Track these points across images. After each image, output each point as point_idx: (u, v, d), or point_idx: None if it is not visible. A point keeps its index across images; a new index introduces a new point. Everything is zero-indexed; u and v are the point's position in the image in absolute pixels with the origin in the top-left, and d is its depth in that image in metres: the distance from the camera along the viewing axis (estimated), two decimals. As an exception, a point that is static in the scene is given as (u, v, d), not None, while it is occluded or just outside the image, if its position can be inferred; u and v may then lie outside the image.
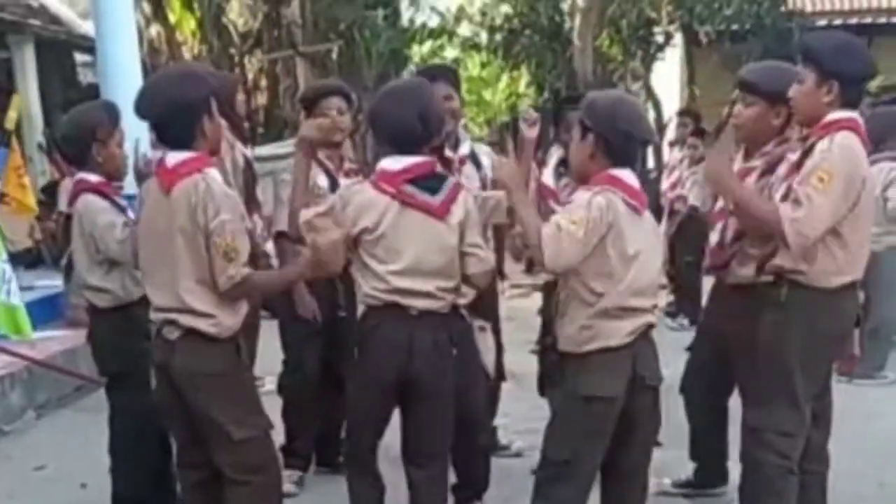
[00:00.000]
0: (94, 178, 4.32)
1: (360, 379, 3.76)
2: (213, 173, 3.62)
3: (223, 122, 4.02)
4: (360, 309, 3.85)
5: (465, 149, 4.86)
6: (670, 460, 4.95)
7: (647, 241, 3.55)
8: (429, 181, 3.65)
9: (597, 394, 3.51)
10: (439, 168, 3.90)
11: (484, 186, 4.87)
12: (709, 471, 4.79)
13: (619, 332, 3.50)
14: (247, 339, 3.91)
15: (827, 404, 4.10)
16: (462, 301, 4.14)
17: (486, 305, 4.49)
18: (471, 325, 4.28)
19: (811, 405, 3.87)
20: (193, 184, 3.52)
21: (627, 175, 3.54)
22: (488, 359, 4.36)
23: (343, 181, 4.75)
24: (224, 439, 3.65)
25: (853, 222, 3.69)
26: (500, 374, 4.95)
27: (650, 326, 3.61)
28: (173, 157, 3.59)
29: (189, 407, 3.67)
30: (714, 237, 4.30)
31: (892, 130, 7.16)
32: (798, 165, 3.75)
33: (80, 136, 4.35)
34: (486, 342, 4.34)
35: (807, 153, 3.73)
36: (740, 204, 3.86)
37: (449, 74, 4.97)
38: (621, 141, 3.52)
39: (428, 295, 3.63)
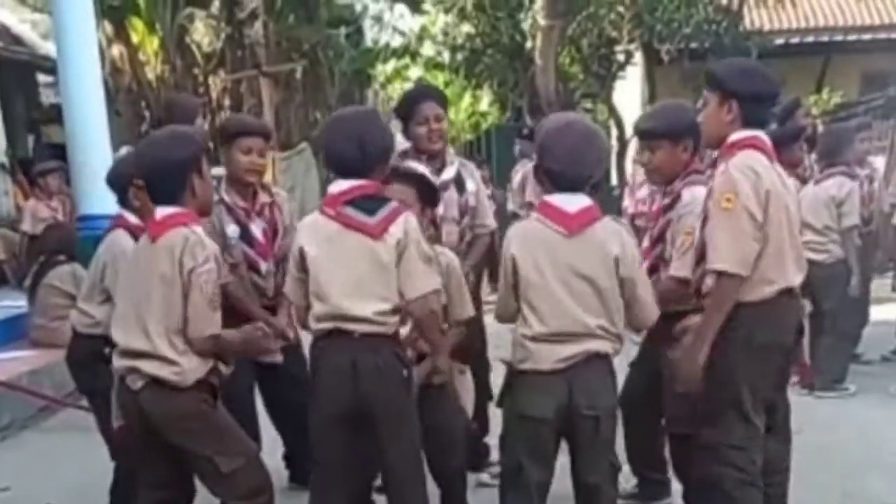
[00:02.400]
0: (133, 219, 4.50)
1: (314, 406, 3.76)
2: (198, 228, 3.69)
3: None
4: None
5: (449, 172, 4.87)
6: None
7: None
8: (367, 202, 3.68)
9: (527, 413, 3.62)
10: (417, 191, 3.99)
11: (463, 213, 4.90)
12: (652, 484, 4.86)
13: (550, 357, 3.59)
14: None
15: (783, 416, 4.15)
16: None
17: (470, 330, 4.47)
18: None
19: (764, 417, 3.92)
20: (181, 234, 3.59)
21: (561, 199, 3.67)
22: (466, 399, 4.37)
23: (256, 221, 4.75)
24: (214, 473, 3.69)
25: (766, 232, 3.75)
26: (488, 395, 4.97)
27: (598, 355, 3.65)
28: (162, 211, 3.68)
29: (171, 444, 3.69)
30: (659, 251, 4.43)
31: (844, 146, 7.32)
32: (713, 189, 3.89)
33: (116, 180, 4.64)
34: (464, 385, 4.36)
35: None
36: (710, 328, 3.84)
37: (437, 94, 5.02)
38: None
39: (366, 320, 3.62)
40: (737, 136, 3.83)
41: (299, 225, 3.85)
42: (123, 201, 4.63)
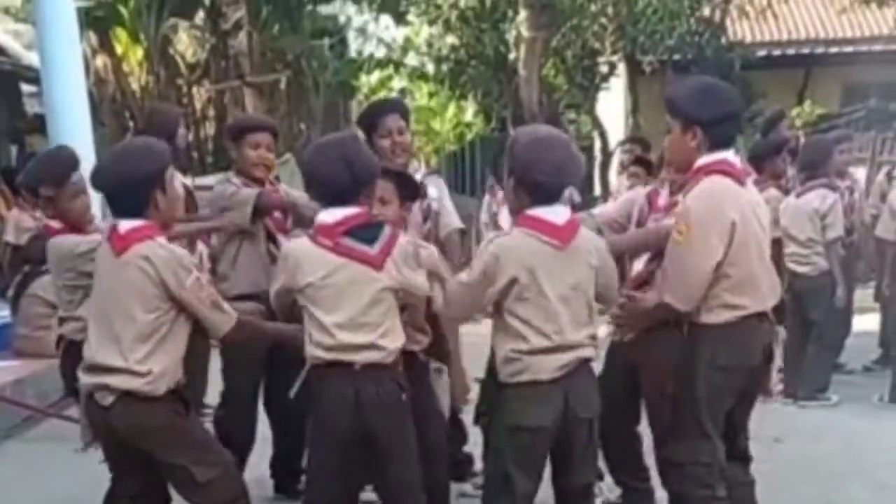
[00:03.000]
0: (55, 224, 4.63)
1: (315, 437, 3.75)
2: (163, 240, 3.68)
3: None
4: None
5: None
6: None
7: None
8: (364, 231, 3.66)
9: (522, 423, 3.62)
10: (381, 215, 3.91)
11: (426, 217, 4.91)
12: (635, 492, 4.86)
13: (549, 367, 3.60)
14: (197, 368, 3.90)
15: (742, 438, 4.14)
16: (416, 347, 4.20)
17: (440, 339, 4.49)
18: (427, 366, 4.26)
19: (722, 440, 3.94)
20: (147, 250, 3.57)
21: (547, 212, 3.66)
22: (443, 401, 4.31)
23: None
24: (190, 482, 3.67)
25: (734, 259, 3.75)
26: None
27: (587, 360, 3.69)
28: (125, 225, 3.65)
29: (146, 455, 3.68)
30: (638, 265, 4.38)
31: (824, 158, 7.36)
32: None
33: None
34: (441, 385, 4.30)
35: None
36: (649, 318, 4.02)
37: (400, 107, 5.02)
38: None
39: (371, 346, 3.62)
40: (703, 160, 3.82)
41: (292, 252, 3.77)
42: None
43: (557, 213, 3.63)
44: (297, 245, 3.79)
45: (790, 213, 7.13)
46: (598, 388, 3.77)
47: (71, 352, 4.45)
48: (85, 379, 3.68)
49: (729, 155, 3.86)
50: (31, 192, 4.64)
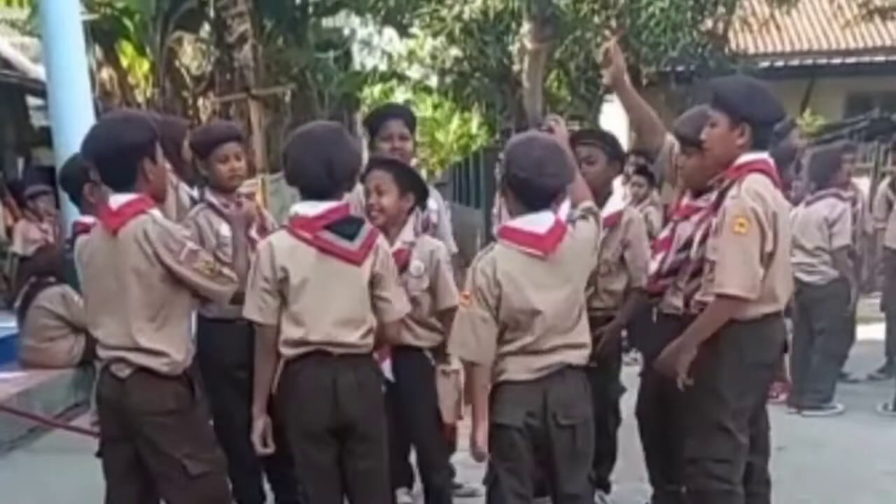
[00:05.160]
0: (90, 220, 4.41)
1: (293, 429, 3.75)
2: (156, 213, 3.66)
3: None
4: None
5: None
6: (628, 493, 5.10)
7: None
8: (345, 226, 3.66)
9: (498, 422, 3.62)
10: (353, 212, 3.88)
11: (425, 228, 4.91)
12: (667, 495, 4.86)
13: (525, 368, 3.60)
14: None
15: (763, 429, 4.19)
16: (416, 342, 4.21)
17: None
18: (429, 363, 4.29)
19: (748, 431, 3.98)
20: (142, 226, 3.55)
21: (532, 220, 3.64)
22: (445, 404, 4.26)
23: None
24: (180, 475, 3.66)
25: (769, 257, 3.81)
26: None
27: (573, 367, 3.67)
28: (116, 200, 3.62)
29: (141, 444, 3.67)
30: (654, 265, 4.47)
31: (834, 168, 7.43)
32: (715, 206, 3.92)
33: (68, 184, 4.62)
34: (446, 387, 4.25)
35: (723, 194, 3.89)
36: (698, 339, 3.92)
37: (406, 114, 5.02)
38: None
39: (349, 345, 3.64)
40: (747, 157, 3.86)
41: (270, 242, 3.72)
42: (78, 203, 4.59)
43: (540, 222, 3.58)
44: (275, 238, 3.77)
45: (800, 223, 7.17)
46: (588, 394, 3.73)
47: None
48: (103, 352, 3.68)
49: (767, 156, 3.92)
50: (75, 192, 4.56)
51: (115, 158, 3.61)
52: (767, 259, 3.79)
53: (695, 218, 4.25)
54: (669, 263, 4.34)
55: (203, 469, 3.68)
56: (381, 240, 3.74)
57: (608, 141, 4.88)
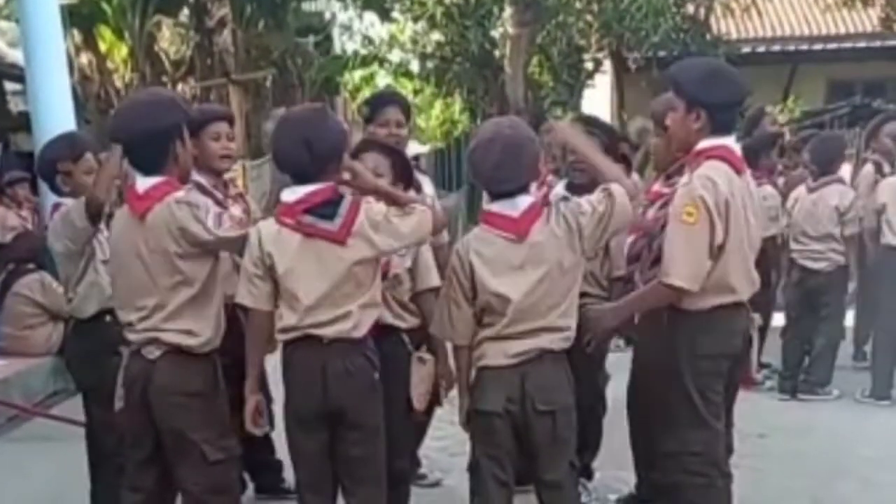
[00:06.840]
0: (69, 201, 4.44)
1: (287, 413, 3.74)
2: (181, 194, 3.65)
3: None
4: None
5: None
6: (610, 480, 5.11)
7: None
8: (324, 208, 3.61)
9: (477, 407, 3.66)
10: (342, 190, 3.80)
11: None
12: (651, 485, 4.86)
13: (502, 353, 3.61)
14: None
15: (727, 423, 4.18)
16: (398, 322, 4.18)
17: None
18: (409, 351, 4.26)
19: (723, 419, 3.96)
20: (169, 209, 3.56)
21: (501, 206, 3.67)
22: (417, 390, 4.25)
23: (232, 208, 4.62)
24: (198, 460, 3.68)
25: (719, 247, 3.77)
26: (437, 401, 4.93)
27: (552, 352, 3.64)
28: (143, 183, 3.63)
29: (162, 426, 3.69)
30: (625, 250, 4.43)
31: (837, 156, 7.48)
32: (674, 193, 3.90)
33: (43, 169, 4.60)
34: (419, 373, 4.24)
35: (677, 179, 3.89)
36: (631, 311, 4.04)
37: (402, 101, 5.01)
38: None
39: (340, 321, 3.60)
40: (704, 144, 3.82)
41: (258, 228, 3.70)
42: (54, 188, 4.59)
43: (514, 206, 3.59)
44: (262, 225, 3.74)
45: (805, 210, 7.18)
46: (569, 381, 3.70)
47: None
48: (134, 336, 3.70)
49: (730, 141, 3.88)
50: (48, 172, 4.56)
51: (148, 143, 3.63)
52: (718, 249, 3.75)
53: (658, 203, 4.22)
54: (637, 249, 4.30)
55: (219, 456, 3.72)
56: (364, 206, 3.64)
57: (605, 130, 4.87)
